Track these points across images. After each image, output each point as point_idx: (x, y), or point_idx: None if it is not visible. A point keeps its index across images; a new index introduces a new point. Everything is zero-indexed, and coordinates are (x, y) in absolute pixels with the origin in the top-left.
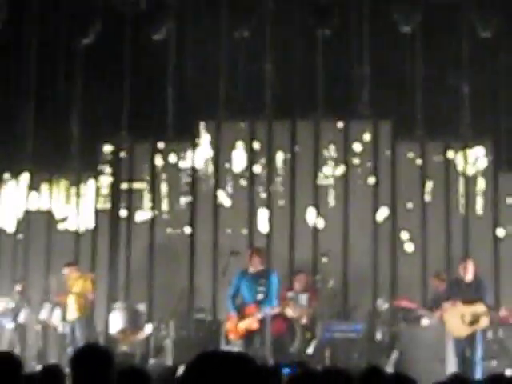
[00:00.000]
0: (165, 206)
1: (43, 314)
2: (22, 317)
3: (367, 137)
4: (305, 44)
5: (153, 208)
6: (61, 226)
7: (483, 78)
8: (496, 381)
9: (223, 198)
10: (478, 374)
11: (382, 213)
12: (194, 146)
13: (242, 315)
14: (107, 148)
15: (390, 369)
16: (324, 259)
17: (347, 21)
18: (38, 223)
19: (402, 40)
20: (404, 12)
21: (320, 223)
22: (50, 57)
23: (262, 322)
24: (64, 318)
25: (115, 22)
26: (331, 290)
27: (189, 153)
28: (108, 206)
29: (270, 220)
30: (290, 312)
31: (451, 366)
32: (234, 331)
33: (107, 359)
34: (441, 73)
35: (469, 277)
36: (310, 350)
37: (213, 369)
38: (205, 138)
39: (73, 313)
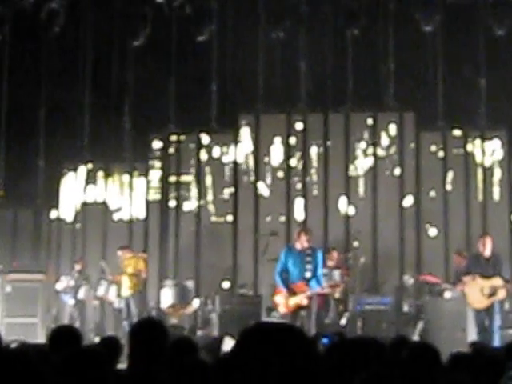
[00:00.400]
0: (210, 196)
1: (100, 291)
2: (82, 293)
3: (393, 128)
4: (335, 43)
5: (199, 199)
6: (115, 216)
7: (498, 72)
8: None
9: (263, 189)
10: (496, 342)
11: (408, 200)
12: (236, 137)
13: (291, 291)
14: (156, 144)
15: (416, 337)
16: (355, 243)
17: (374, 22)
18: (94, 213)
19: (423, 38)
20: (426, 13)
21: (351, 210)
22: (105, 57)
23: (310, 298)
24: (119, 295)
25: (163, 25)
26: (362, 267)
27: (231, 145)
28: (158, 197)
29: (306, 208)
30: (332, 292)
31: (471, 335)
32: (286, 306)
33: (162, 331)
34: (459, 68)
35: (487, 252)
36: (343, 322)
37: (266, 337)
38: (245, 131)
39: (127, 290)
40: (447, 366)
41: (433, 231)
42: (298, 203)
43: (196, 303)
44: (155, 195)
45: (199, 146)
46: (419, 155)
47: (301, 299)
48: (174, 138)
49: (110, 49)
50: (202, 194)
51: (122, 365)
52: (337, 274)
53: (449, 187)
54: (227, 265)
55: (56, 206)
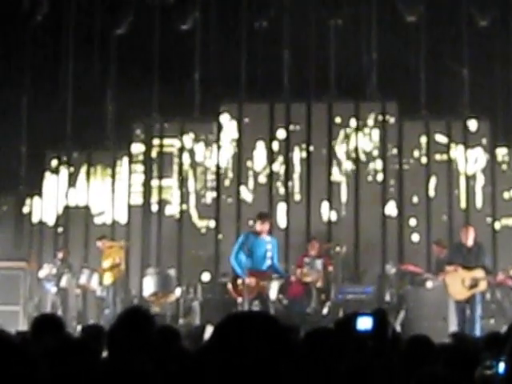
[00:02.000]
0: (192, 200)
1: (83, 279)
2: (64, 281)
3: (374, 117)
4: (318, 33)
5: (181, 203)
6: (97, 220)
7: (481, 62)
8: (493, 338)
9: (245, 194)
10: (477, 332)
11: (390, 207)
12: (219, 126)
13: (258, 277)
14: (138, 133)
15: (397, 327)
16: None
17: (357, 11)
18: (76, 217)
19: (406, 28)
20: (408, 3)
21: (333, 216)
22: (88, 45)
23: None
24: (101, 283)
25: (146, 13)
26: (344, 256)
27: (213, 133)
28: (140, 201)
29: (288, 213)
30: (307, 278)
31: (453, 324)
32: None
33: (149, 320)
34: (442, 58)
35: (469, 242)
36: (325, 311)
37: (243, 327)
38: (226, 119)
39: (109, 279)
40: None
41: (413, 221)
42: (281, 208)
43: (178, 292)
44: (137, 199)
45: (182, 133)
46: (402, 148)
47: (264, 285)
48: (157, 126)
49: (93, 37)
50: (184, 198)
51: (105, 353)
52: (319, 263)
53: (432, 193)
54: (209, 254)
55: (39, 194)
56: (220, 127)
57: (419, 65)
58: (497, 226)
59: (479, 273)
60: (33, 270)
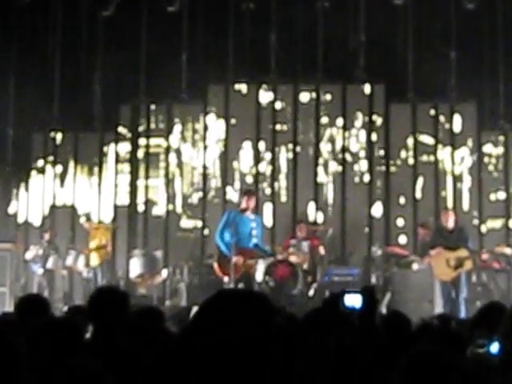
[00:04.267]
0: (179, 200)
1: (69, 261)
2: (50, 263)
3: (363, 100)
4: (306, 15)
5: (167, 203)
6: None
7: (468, 44)
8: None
9: (231, 194)
10: (463, 314)
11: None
12: (205, 107)
13: (245, 255)
14: (126, 113)
15: (383, 309)
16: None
17: None
18: (62, 217)
19: (394, 11)
20: None
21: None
22: (75, 27)
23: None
24: (88, 264)
25: None
26: (330, 238)
27: (200, 116)
28: (127, 201)
29: (274, 213)
30: (293, 258)
31: (439, 306)
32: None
33: (122, 298)
34: (430, 40)
35: (450, 224)
36: (311, 293)
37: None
38: (214, 101)
39: (95, 260)
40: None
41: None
42: (267, 209)
43: (164, 273)
44: (123, 199)
45: (169, 111)
46: (388, 127)
47: (251, 263)
48: (143, 107)
49: (80, 18)
50: (170, 199)
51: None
52: (305, 245)
53: (418, 194)
54: (197, 234)
55: (26, 179)
56: (207, 109)
57: (407, 47)
58: (483, 228)
59: (463, 252)
60: (19, 252)
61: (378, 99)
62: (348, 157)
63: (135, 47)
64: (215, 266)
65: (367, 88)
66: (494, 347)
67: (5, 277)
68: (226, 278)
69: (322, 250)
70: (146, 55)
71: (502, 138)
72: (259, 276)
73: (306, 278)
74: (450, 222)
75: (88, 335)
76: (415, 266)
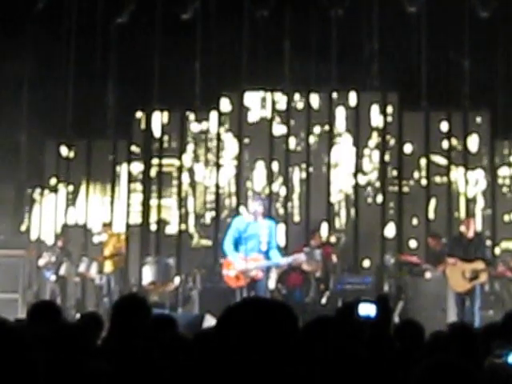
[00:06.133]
0: (191, 220)
1: (82, 268)
2: (63, 270)
3: (376, 109)
4: (319, 22)
5: (180, 222)
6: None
7: (482, 54)
8: (492, 329)
9: (244, 214)
10: (477, 323)
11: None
12: (220, 114)
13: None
14: (138, 119)
15: (396, 317)
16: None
17: (358, 2)
18: (74, 236)
19: (408, 19)
20: None
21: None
22: (89, 34)
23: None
24: (100, 271)
25: (147, 2)
26: (343, 246)
27: (213, 122)
28: (139, 220)
29: (287, 233)
30: (305, 266)
31: (452, 315)
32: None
33: (145, 308)
34: (443, 49)
35: (470, 233)
36: (324, 301)
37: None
38: (227, 109)
39: (108, 267)
40: (428, 345)
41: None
42: (280, 229)
43: (177, 281)
44: (136, 219)
45: (183, 119)
46: (402, 139)
47: (256, 272)
48: (157, 115)
49: (94, 26)
50: (183, 218)
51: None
52: (318, 253)
53: (431, 215)
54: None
55: (40, 185)
56: (220, 117)
57: (420, 56)
58: (497, 250)
59: (479, 265)
60: (32, 258)
61: (392, 107)
62: (360, 177)
63: (149, 55)
64: (224, 272)
65: (378, 96)
66: (511, 357)
67: (17, 283)
68: (235, 286)
69: (334, 258)
70: (159, 63)
71: None
72: (271, 283)
73: (319, 286)
74: (470, 230)
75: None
76: (428, 275)
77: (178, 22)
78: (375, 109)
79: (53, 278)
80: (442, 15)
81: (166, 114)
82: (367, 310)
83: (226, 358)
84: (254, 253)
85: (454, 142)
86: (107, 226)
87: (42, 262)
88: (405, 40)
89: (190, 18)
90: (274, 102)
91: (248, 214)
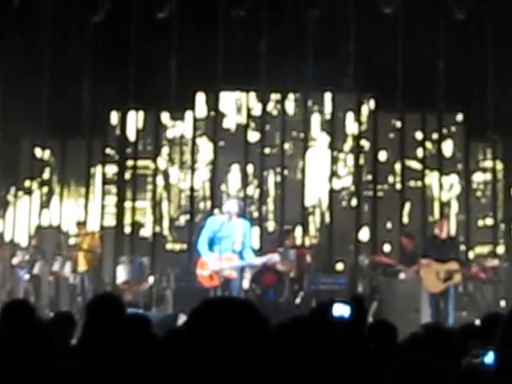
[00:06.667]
0: (166, 222)
1: (56, 266)
2: (37, 269)
3: (351, 114)
4: (296, 22)
5: (154, 225)
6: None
7: (457, 54)
8: (469, 329)
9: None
10: (450, 323)
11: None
12: (194, 115)
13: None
14: (114, 119)
15: (370, 317)
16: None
17: (334, 2)
18: (49, 237)
19: (384, 20)
20: None
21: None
22: (64, 32)
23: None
24: (74, 270)
25: (123, 1)
26: (318, 248)
27: (189, 124)
28: (113, 222)
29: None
30: (280, 266)
31: (425, 316)
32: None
33: (119, 307)
34: (419, 50)
35: (443, 235)
36: (298, 301)
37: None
38: (203, 109)
39: (82, 266)
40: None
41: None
42: (254, 232)
43: (151, 280)
44: (110, 221)
45: (158, 119)
46: (376, 144)
47: (230, 271)
48: (132, 114)
49: (70, 24)
50: (157, 221)
51: (75, 340)
52: (292, 253)
53: (405, 219)
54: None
55: (14, 183)
56: (195, 120)
57: (396, 56)
58: (471, 254)
59: (453, 265)
60: (6, 257)
61: (367, 108)
62: (335, 180)
63: (124, 53)
64: (198, 272)
65: (353, 98)
66: (489, 357)
67: None
68: (210, 286)
69: (308, 259)
70: (134, 61)
71: (489, 150)
72: (245, 283)
73: (293, 286)
74: (444, 231)
75: (74, 341)
76: (402, 276)
77: (154, 20)
78: (350, 115)
79: (26, 276)
80: (418, 16)
81: (141, 113)
82: (341, 310)
83: (196, 355)
84: (228, 253)
85: (429, 145)
86: (81, 224)
87: (15, 260)
88: (380, 41)
89: (166, 17)
90: (249, 109)
91: (222, 214)
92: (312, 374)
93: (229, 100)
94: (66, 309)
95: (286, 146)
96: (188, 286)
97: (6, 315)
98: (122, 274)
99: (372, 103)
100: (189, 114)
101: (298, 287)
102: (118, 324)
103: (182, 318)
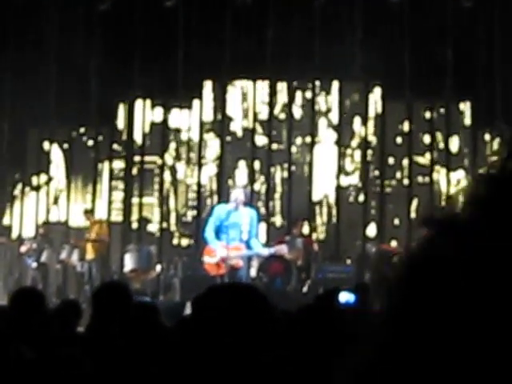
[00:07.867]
0: (173, 218)
1: (63, 255)
2: (44, 257)
3: (357, 97)
4: (303, 11)
5: (161, 221)
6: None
7: (465, 43)
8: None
9: None
10: None
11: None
12: (201, 103)
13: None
14: (121, 110)
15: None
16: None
17: None
18: (55, 233)
19: (391, 8)
20: None
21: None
22: (70, 21)
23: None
24: (82, 258)
25: None
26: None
27: (196, 109)
28: (120, 218)
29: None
30: (287, 254)
31: None
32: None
33: (126, 295)
34: (426, 39)
35: None
36: (305, 289)
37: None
38: (209, 97)
39: (90, 254)
40: None
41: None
42: (261, 228)
43: (158, 268)
44: (117, 217)
45: (166, 108)
46: (385, 125)
47: (237, 260)
48: (139, 103)
49: (76, 13)
50: (164, 216)
51: (81, 328)
52: (299, 241)
53: (413, 215)
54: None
55: (22, 179)
56: (202, 105)
57: (403, 44)
58: None
59: None
60: (13, 245)
61: (374, 97)
62: (342, 176)
63: (131, 42)
64: (205, 259)
65: (362, 85)
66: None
67: None
68: (216, 274)
69: (316, 247)
70: (141, 50)
71: (497, 140)
72: (253, 272)
73: (300, 274)
74: None
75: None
76: None
77: (160, 9)
78: (358, 110)
79: (34, 265)
80: (425, 5)
81: (148, 102)
82: (347, 298)
83: (202, 341)
84: (236, 242)
85: (439, 137)
86: (89, 212)
87: (23, 248)
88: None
89: (172, 6)
90: (255, 107)
91: (229, 203)
92: (317, 360)
93: (236, 89)
94: (73, 297)
95: (293, 141)
96: (195, 274)
97: (16, 303)
98: (129, 262)
99: (378, 91)
100: (196, 103)
101: (305, 276)
102: (124, 312)
103: (189, 306)
